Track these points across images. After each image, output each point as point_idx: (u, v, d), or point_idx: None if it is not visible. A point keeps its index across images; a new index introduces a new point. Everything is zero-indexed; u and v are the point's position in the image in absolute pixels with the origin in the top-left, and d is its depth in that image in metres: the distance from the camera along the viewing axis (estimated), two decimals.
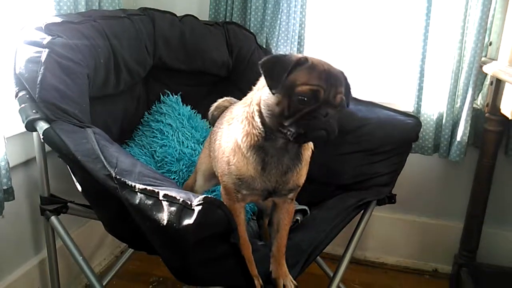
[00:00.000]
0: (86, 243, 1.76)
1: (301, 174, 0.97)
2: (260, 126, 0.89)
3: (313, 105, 0.83)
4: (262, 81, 0.91)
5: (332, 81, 0.84)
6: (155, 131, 1.60)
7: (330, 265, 1.62)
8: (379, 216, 1.88)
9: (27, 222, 1.50)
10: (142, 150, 1.55)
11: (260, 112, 0.89)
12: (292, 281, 1.00)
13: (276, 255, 1.01)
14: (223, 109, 1.21)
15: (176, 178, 1.49)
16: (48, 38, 1.17)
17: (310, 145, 0.98)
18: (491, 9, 1.57)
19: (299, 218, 1.31)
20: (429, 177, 1.91)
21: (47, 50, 1.14)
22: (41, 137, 1.06)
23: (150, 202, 0.81)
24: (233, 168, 0.93)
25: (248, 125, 0.91)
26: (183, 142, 1.57)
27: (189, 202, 0.78)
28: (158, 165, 1.52)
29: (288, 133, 0.85)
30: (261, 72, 0.85)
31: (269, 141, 0.90)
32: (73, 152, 0.96)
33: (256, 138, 0.90)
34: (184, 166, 1.51)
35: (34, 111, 1.08)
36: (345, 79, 0.90)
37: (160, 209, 0.79)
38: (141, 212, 0.82)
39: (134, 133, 1.63)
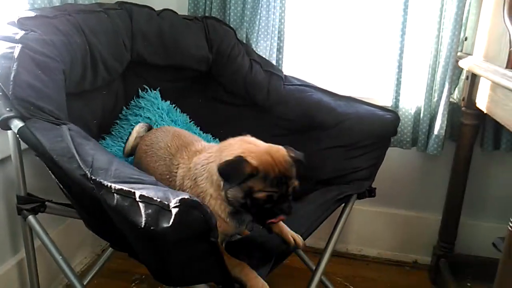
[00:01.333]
0: (66, 242, 1.73)
1: None
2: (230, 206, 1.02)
3: (270, 203, 0.98)
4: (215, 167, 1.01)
5: (284, 180, 0.98)
6: (133, 124, 1.57)
7: (312, 258, 1.63)
8: (360, 210, 1.90)
9: (4, 222, 1.47)
10: (118, 141, 1.53)
11: (227, 198, 1.00)
12: (298, 237, 1.12)
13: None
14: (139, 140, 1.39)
15: None
16: (21, 33, 1.14)
17: None
18: (466, 5, 1.60)
19: None
20: (408, 171, 1.94)
21: (20, 45, 1.10)
22: (17, 135, 1.03)
23: (126, 203, 0.79)
24: None
25: (221, 199, 1.02)
26: None
27: (166, 203, 0.77)
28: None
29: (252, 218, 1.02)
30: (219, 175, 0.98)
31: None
32: (48, 151, 0.94)
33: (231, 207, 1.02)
34: None
35: (8, 109, 1.05)
36: (298, 163, 1.02)
37: (137, 210, 0.78)
38: (119, 214, 0.80)
39: (112, 128, 1.61)
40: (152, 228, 0.76)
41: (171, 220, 0.75)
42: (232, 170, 0.96)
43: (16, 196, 1.32)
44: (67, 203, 1.22)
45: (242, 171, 0.95)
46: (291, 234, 1.11)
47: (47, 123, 1.02)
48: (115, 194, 0.81)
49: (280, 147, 1.04)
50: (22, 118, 1.05)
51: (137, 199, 0.79)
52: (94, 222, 1.09)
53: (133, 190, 0.81)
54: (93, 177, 0.85)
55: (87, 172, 0.87)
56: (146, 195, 0.79)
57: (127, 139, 1.44)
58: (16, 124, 1.04)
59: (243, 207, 1.00)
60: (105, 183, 0.83)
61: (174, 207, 0.76)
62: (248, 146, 1.01)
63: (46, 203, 1.33)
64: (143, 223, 0.76)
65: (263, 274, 0.98)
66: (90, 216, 1.07)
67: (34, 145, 0.98)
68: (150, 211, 0.77)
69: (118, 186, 0.82)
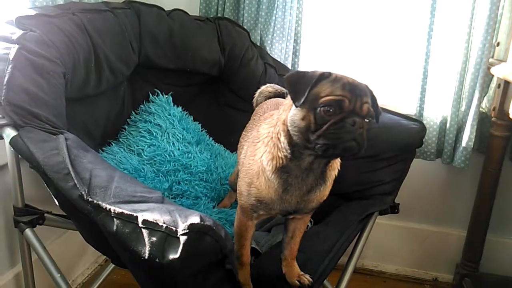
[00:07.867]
0: (67, 251, 1.65)
1: (324, 194, 0.94)
2: (287, 147, 0.86)
3: (339, 115, 0.79)
4: (288, 101, 0.87)
5: (356, 91, 0.81)
6: (143, 132, 1.49)
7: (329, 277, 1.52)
8: (378, 223, 1.75)
9: (1, 234, 1.39)
10: (125, 149, 1.45)
11: (286, 131, 0.85)
12: (305, 277, 1.00)
13: (288, 258, 1.01)
14: (267, 95, 1.23)
15: (165, 179, 1.39)
16: (19, 32, 1.04)
17: (336, 165, 0.93)
18: (499, 8, 1.49)
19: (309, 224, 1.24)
20: (431, 183, 1.84)
21: (16, 46, 1.01)
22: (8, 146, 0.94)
23: (127, 230, 0.69)
24: (254, 191, 0.90)
25: (274, 147, 0.88)
26: (173, 144, 1.48)
27: (173, 229, 0.67)
28: (147, 163, 1.42)
29: (317, 146, 0.80)
30: (286, 87, 0.84)
31: (295, 161, 0.86)
32: (42, 166, 0.84)
33: (281, 161, 0.87)
34: (173, 167, 1.42)
35: (0, 116, 0.96)
36: (371, 92, 0.86)
37: (140, 238, 0.68)
38: (119, 241, 0.70)
39: (119, 134, 1.52)
40: (157, 259, 0.65)
41: (179, 250, 0.65)
42: (301, 76, 0.82)
43: (13, 207, 1.23)
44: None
45: (312, 74, 0.81)
46: (298, 276, 1.01)
47: (43, 133, 0.93)
48: (114, 219, 0.71)
49: None
50: (15, 126, 0.95)
51: (140, 224, 0.69)
52: (93, 240, 0.99)
53: (135, 214, 0.70)
54: (90, 199, 0.75)
55: (83, 192, 0.76)
56: (150, 220, 0.69)
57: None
58: (9, 133, 0.94)
59: (306, 139, 0.81)
60: (104, 205, 0.73)
61: (183, 234, 0.66)
62: None
63: (45, 214, 1.24)
64: (146, 254, 0.66)
65: None
66: (89, 235, 0.97)
67: (27, 157, 0.89)
68: (154, 239, 0.67)
69: (118, 210, 0.71)
